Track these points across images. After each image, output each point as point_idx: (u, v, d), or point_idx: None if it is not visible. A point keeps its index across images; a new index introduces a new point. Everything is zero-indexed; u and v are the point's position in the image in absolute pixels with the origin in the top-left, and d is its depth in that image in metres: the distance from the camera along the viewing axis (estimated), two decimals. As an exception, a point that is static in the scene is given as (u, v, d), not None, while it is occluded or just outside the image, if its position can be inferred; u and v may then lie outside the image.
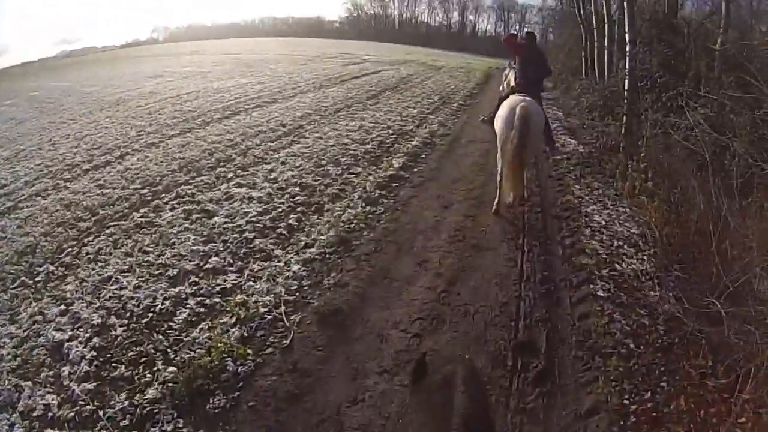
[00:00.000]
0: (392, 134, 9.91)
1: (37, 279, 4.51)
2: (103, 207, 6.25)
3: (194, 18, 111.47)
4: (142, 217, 5.81)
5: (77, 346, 3.48)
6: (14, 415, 2.92)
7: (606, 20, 13.53)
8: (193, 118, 11.83)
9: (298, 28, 73.30)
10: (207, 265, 4.57)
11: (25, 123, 14.02)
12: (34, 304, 4.05)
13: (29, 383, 3.17)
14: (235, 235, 5.19)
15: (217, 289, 4.19)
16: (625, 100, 9.00)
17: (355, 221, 5.56)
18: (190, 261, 4.65)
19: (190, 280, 4.31)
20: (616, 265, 4.53)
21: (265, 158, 8.14)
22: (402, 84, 17.75)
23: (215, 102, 14.26)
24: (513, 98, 5.42)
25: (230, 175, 7.28)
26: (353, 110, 12.54)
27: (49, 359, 3.40)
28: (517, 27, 50.10)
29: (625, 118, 8.81)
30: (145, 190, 6.88)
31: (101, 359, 3.36)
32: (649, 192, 5.96)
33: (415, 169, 7.60)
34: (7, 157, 9.75)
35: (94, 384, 3.15)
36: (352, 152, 8.53)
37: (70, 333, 3.63)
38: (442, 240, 5.12)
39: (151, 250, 4.93)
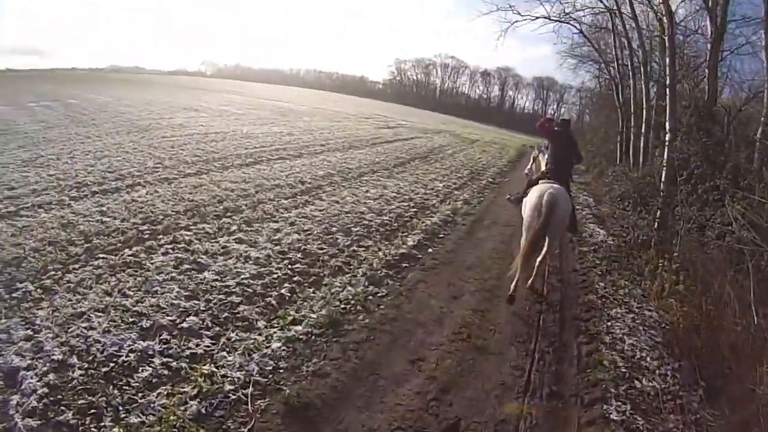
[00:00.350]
0: (413, 207, 9.59)
1: (13, 295, 4.44)
2: (97, 235, 6.12)
3: (242, 59, 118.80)
4: (132, 255, 5.61)
5: (32, 378, 3.36)
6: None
7: (644, 105, 13.33)
8: (213, 159, 11.92)
9: (341, 84, 79.69)
10: (183, 324, 4.28)
11: (54, 129, 14.53)
12: (3, 320, 3.99)
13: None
14: (221, 296, 4.87)
15: (187, 352, 3.89)
16: (661, 193, 8.62)
17: (352, 302, 5.14)
18: (167, 315, 4.37)
19: (162, 337, 4.03)
20: (636, 382, 4.16)
21: (274, 216, 7.87)
22: (433, 154, 17.69)
23: (240, 147, 14.45)
24: (542, 185, 5.49)
25: (234, 228, 7.02)
26: (378, 176, 12.37)
27: (1, 383, 3.28)
28: (555, 106, 54.81)
29: (659, 212, 8.42)
30: (144, 227, 6.64)
31: (51, 398, 3.21)
32: (679, 295, 5.58)
33: (430, 250, 7.18)
34: (24, 160, 9.90)
35: (38, 422, 2.99)
36: (366, 222, 8.15)
37: (29, 362, 3.52)
38: (443, 336, 4.64)
39: (131, 294, 4.70)
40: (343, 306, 5.01)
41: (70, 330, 3.96)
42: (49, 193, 7.75)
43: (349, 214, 8.56)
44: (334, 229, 7.54)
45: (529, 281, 5.67)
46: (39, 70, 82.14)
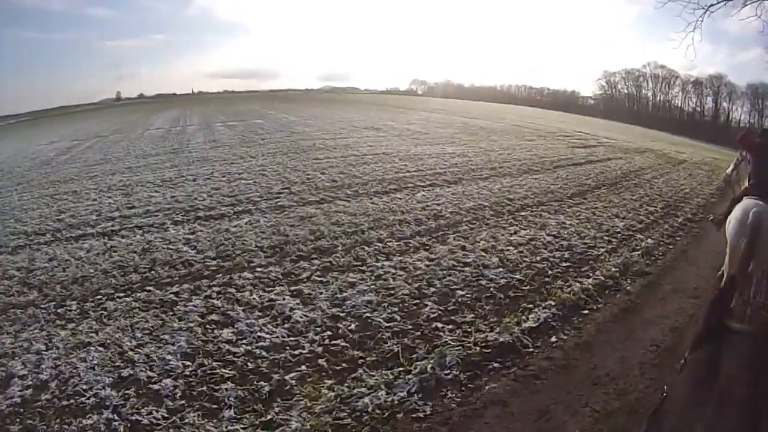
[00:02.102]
0: (566, 260, 7.30)
1: (58, 311, 5.32)
2: (163, 265, 6.38)
3: (453, 76, 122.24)
4: (174, 293, 5.61)
5: (15, 386, 3.99)
6: None
7: None
8: (350, 185, 11.36)
9: (551, 100, 76.89)
10: (155, 385, 3.97)
11: (219, 149, 16.08)
12: (35, 331, 4.87)
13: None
14: (216, 364, 4.24)
15: (133, 418, 3.60)
16: None
17: (368, 416, 3.59)
18: (149, 369, 4.17)
19: (127, 391, 3.89)
20: None
21: (366, 262, 6.69)
22: (626, 179, 14.48)
23: (392, 170, 13.53)
24: (747, 202, 5.12)
25: (305, 275, 6.15)
26: (542, 210, 10.12)
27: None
28: None
29: None
30: (213, 262, 6.41)
31: (11, 410, 3.76)
32: None
33: (553, 339, 4.98)
34: (165, 180, 11.09)
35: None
36: (483, 282, 6.31)
37: (24, 372, 4.18)
38: None
39: (139, 336, 4.72)
40: (349, 423, 3.49)
41: (69, 356, 4.37)
42: (157, 215, 8.26)
43: (467, 268, 6.76)
44: (432, 290, 5.90)
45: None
46: (255, 92, 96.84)
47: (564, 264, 7.15)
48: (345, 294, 5.61)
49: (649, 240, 8.57)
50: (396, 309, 5.32)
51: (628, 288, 6.50)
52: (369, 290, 5.74)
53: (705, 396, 2.68)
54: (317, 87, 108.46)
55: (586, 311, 5.74)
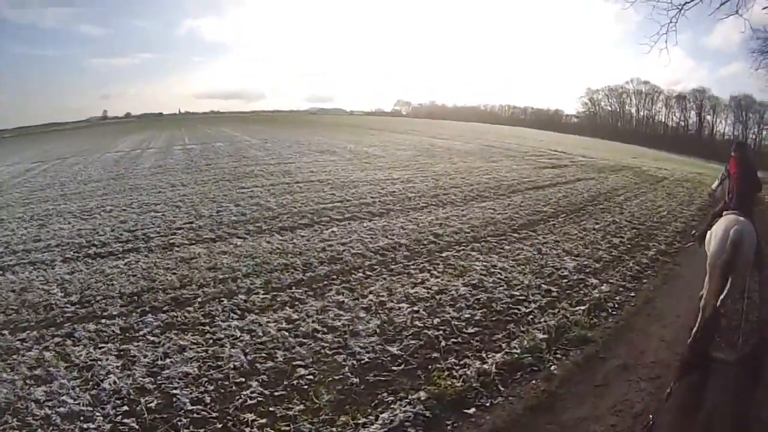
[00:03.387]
0: (474, 324, 5.56)
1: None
2: (25, 308, 6.09)
3: (437, 97, 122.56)
4: (19, 341, 5.15)
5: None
6: None
7: None
8: (260, 219, 10.46)
9: (534, 119, 77.80)
10: None
11: (161, 175, 16.40)
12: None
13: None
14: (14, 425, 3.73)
15: None
16: None
17: None
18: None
19: None
20: None
21: (215, 320, 5.67)
22: (593, 203, 12.78)
23: (314, 201, 12.26)
24: (728, 218, 5.18)
25: (142, 332, 5.39)
26: (471, 250, 8.37)
27: None
28: (756, 129, 52.23)
29: None
30: (69, 309, 5.99)
31: None
32: None
33: None
34: (75, 211, 11.42)
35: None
36: (340, 359, 4.75)
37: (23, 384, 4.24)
38: None
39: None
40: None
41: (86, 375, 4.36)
42: (54, 250, 8.47)
43: (329, 335, 5.19)
44: (268, 365, 4.67)
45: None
46: (240, 113, 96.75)
47: (469, 330, 5.41)
48: (167, 361, 4.71)
49: (604, 286, 6.90)
50: (212, 388, 4.26)
51: (552, 367, 4.69)
52: (195, 359, 4.74)
53: (690, 425, 2.50)
54: (303, 108, 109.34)
55: (470, 410, 3.98)
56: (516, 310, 5.91)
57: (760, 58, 20.28)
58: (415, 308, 5.83)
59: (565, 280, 7.02)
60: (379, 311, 5.73)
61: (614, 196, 14.14)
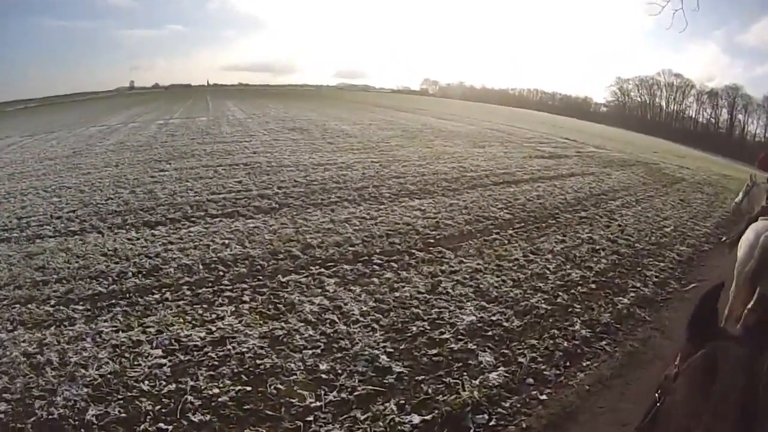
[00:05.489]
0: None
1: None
2: None
3: (467, 78, 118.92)
4: None
5: None
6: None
7: None
8: (173, 206, 8.87)
9: (562, 105, 74.94)
10: None
11: (114, 153, 15.14)
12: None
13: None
14: None
15: None
16: None
17: None
18: None
19: None
20: None
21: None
22: (574, 209, 9.86)
23: (246, 187, 10.32)
24: (761, 223, 4.95)
25: None
26: (328, 274, 5.98)
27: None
28: None
29: None
30: None
31: None
32: None
33: None
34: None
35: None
36: None
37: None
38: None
39: None
40: None
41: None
42: None
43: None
44: None
45: None
46: (268, 86, 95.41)
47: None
48: None
49: (496, 374, 4.16)
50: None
51: None
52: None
53: (700, 403, 1.47)
54: (332, 84, 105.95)
55: None
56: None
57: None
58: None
59: (434, 354, 4.27)
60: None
61: (609, 199, 11.04)
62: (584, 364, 4.43)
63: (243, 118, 26.53)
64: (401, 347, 4.35)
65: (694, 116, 62.34)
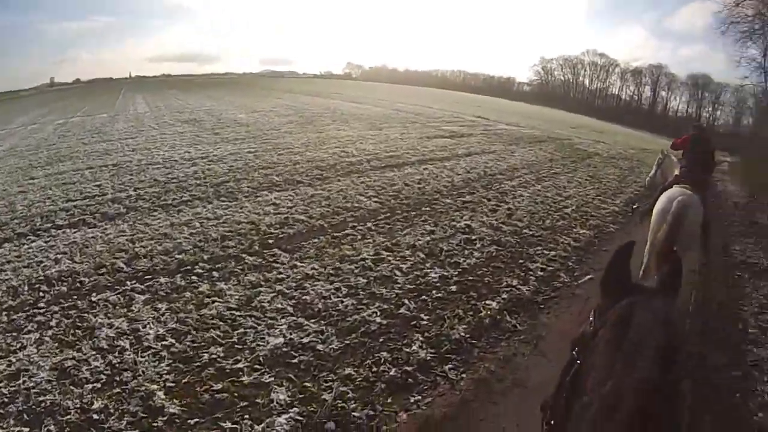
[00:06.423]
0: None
1: None
2: None
3: (388, 61, 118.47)
4: None
5: None
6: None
7: None
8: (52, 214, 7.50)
9: (486, 85, 74.59)
10: None
11: None
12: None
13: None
14: None
15: None
16: None
17: None
18: None
19: None
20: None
21: None
22: (460, 193, 8.79)
23: (128, 187, 8.84)
24: (674, 190, 5.12)
25: None
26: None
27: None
28: (710, 108, 52.87)
29: None
30: None
31: None
32: None
33: None
34: None
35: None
36: None
37: None
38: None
39: None
40: None
41: None
42: None
43: None
44: None
45: None
46: (192, 76, 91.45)
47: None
48: None
49: (283, 424, 3.33)
50: None
51: None
52: None
53: (619, 356, 1.38)
54: (257, 71, 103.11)
55: None
56: None
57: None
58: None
59: (219, 389, 3.54)
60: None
61: (505, 179, 10.02)
62: (412, 399, 3.39)
63: (143, 112, 24.19)
64: (184, 381, 3.53)
65: (617, 93, 63.92)
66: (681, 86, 57.68)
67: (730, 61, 24.33)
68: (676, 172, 5.72)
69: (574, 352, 1.41)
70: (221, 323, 4.17)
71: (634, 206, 7.20)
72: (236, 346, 3.87)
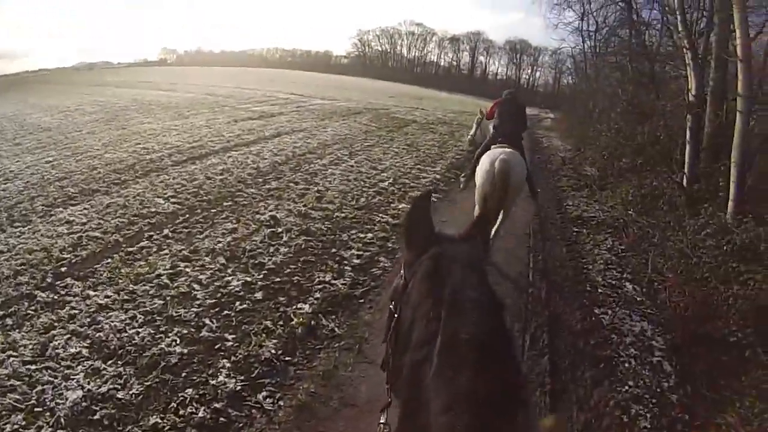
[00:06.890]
0: None
1: None
2: None
3: (203, 44, 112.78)
4: None
5: None
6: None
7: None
8: None
9: (302, 61, 74.23)
10: None
11: None
12: None
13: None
14: None
15: None
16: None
17: None
18: None
19: None
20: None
21: None
22: (263, 180, 8.44)
23: None
24: (493, 151, 5.30)
25: None
26: None
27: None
28: (529, 70, 56.47)
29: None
30: None
31: None
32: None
33: None
34: None
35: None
36: None
37: None
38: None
39: None
40: None
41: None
42: None
43: None
44: None
45: None
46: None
47: None
48: None
49: None
50: None
51: None
52: None
53: (433, 304, 1.38)
54: (72, 64, 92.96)
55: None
56: None
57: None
58: None
59: None
60: None
61: (316, 158, 9.88)
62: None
63: None
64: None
65: (436, 61, 65.63)
66: (499, 51, 60.99)
67: (548, 26, 26.46)
68: (492, 131, 5.95)
69: (391, 306, 1.44)
70: (18, 383, 3.35)
71: (462, 175, 7.11)
72: (36, 409, 3.16)
